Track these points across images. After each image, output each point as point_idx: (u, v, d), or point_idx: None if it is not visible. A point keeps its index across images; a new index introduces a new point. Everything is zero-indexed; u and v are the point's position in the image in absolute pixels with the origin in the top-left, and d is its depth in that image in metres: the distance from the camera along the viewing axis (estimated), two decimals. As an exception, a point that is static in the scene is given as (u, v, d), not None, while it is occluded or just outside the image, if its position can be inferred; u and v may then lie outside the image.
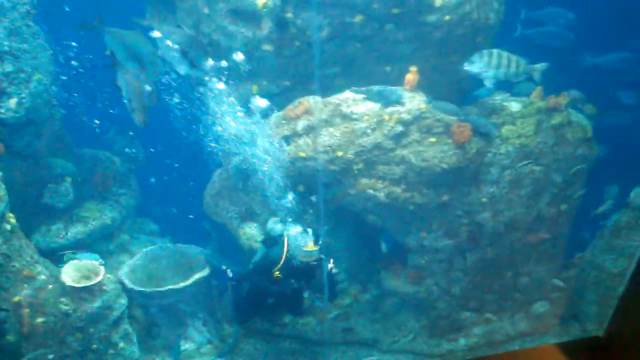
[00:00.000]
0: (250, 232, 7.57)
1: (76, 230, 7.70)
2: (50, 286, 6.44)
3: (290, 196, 6.80)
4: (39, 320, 6.25)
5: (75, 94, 8.02)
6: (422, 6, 6.85)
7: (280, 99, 7.42)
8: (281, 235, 6.35)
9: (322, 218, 7.23)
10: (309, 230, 6.24)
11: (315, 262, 6.17)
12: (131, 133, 9.22)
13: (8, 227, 6.29)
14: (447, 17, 6.89)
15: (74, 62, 7.58)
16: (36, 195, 7.70)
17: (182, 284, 7.17)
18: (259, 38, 7.04)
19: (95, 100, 8.18)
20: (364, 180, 6.81)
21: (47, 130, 7.63)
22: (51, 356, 6.33)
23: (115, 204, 8.40)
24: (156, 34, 5.99)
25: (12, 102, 6.94)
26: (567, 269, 7.75)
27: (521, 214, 6.97)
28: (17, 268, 6.33)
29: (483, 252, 7.18)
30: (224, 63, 6.68)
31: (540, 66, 6.35)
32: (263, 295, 6.51)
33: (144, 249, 8.04)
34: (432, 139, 6.69)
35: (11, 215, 6.39)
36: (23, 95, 7.05)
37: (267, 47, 7.11)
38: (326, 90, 7.21)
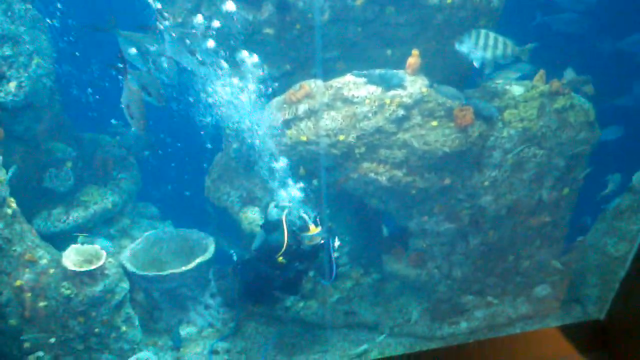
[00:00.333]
0: (252, 216, 7.57)
1: (77, 215, 7.70)
2: (52, 270, 6.46)
3: (289, 180, 6.79)
4: (41, 304, 6.28)
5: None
6: (424, -12, 6.78)
7: (281, 82, 7.38)
8: (280, 221, 6.32)
9: (323, 202, 7.23)
10: (308, 214, 6.22)
11: (321, 243, 6.17)
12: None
13: (9, 211, 6.31)
14: (449, 0, 6.81)
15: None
16: (37, 179, 7.69)
17: (183, 268, 7.20)
18: (260, 21, 6.98)
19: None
20: (366, 164, 6.79)
21: (47, 114, 7.61)
22: (53, 340, 6.37)
23: (116, 188, 8.38)
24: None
25: (12, 85, 6.92)
26: (568, 253, 7.75)
27: (523, 197, 6.95)
28: (19, 252, 6.36)
29: (485, 235, 7.17)
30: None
31: (528, 47, 6.29)
32: (269, 282, 6.55)
33: (146, 233, 8.05)
34: (434, 123, 6.65)
35: (12, 199, 6.39)
36: (22, 79, 7.02)
37: (267, 30, 7.06)
38: (327, 74, 7.16)
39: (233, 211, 7.87)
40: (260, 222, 7.01)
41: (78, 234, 7.16)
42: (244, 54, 6.74)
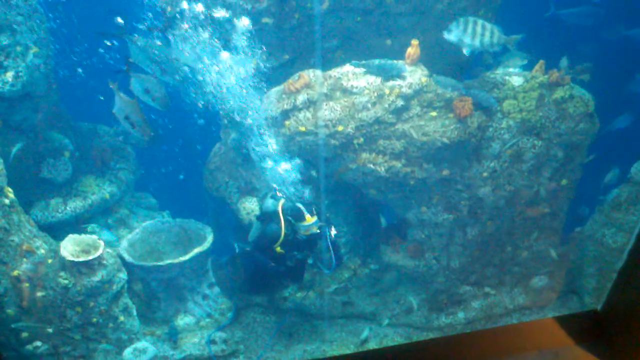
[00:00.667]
0: (250, 207, 7.56)
1: (75, 205, 7.69)
2: (50, 260, 6.45)
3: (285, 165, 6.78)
4: (39, 294, 6.28)
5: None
6: (424, -23, 6.75)
7: (280, 72, 7.35)
8: (276, 211, 6.33)
9: (322, 193, 7.23)
10: (304, 203, 6.24)
11: (318, 232, 6.20)
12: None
13: (7, 201, 6.29)
14: (448, -11, 6.79)
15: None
16: (34, 169, 7.67)
17: (181, 258, 7.19)
18: (258, 10, 6.94)
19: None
20: (365, 155, 6.78)
21: (44, 104, 7.57)
22: (50, 330, 6.38)
23: (114, 179, 8.37)
24: None
25: (9, 75, 6.88)
26: (566, 243, 7.76)
27: (522, 188, 6.94)
28: (17, 242, 6.35)
29: (483, 226, 7.17)
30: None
31: (515, 37, 6.27)
32: (270, 271, 6.59)
33: (144, 223, 8.05)
34: (433, 113, 6.63)
35: (9, 189, 6.38)
36: (20, 68, 6.98)
37: (266, 19, 7.02)
38: (326, 63, 7.14)
39: (231, 201, 7.86)
40: (257, 214, 7.02)
41: (85, 226, 7.13)
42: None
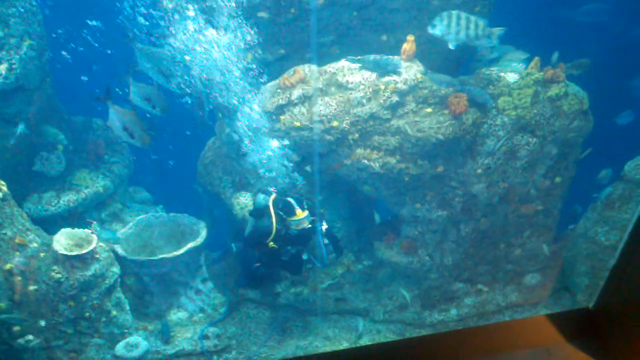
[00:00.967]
0: (244, 202, 7.54)
1: (68, 199, 7.65)
2: (43, 254, 6.43)
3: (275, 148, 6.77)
4: (31, 287, 6.26)
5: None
6: (420, -27, 6.73)
7: (275, 67, 7.32)
8: (267, 207, 6.35)
9: (317, 188, 7.22)
10: (295, 198, 6.25)
11: (309, 227, 6.21)
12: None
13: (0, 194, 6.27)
14: (445, -15, 6.77)
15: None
16: (27, 162, 7.63)
17: (175, 253, 7.17)
18: (254, 4, 6.91)
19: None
20: (359, 151, 6.77)
21: (38, 96, 7.51)
22: (42, 323, 6.36)
23: (108, 172, 8.33)
24: None
25: (2, 67, 6.83)
26: (559, 241, 7.79)
27: (516, 185, 6.95)
28: (9, 236, 6.32)
29: (476, 223, 7.19)
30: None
31: (498, 30, 6.28)
32: (267, 266, 6.64)
33: (137, 218, 8.02)
34: (428, 109, 6.63)
35: (2, 182, 6.34)
36: (13, 61, 6.93)
37: (262, 14, 6.99)
38: (322, 58, 7.12)
39: (225, 196, 7.84)
40: (249, 210, 7.04)
41: (88, 227, 7.11)
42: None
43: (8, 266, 6.19)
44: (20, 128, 6.80)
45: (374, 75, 6.65)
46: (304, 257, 6.70)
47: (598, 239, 7.35)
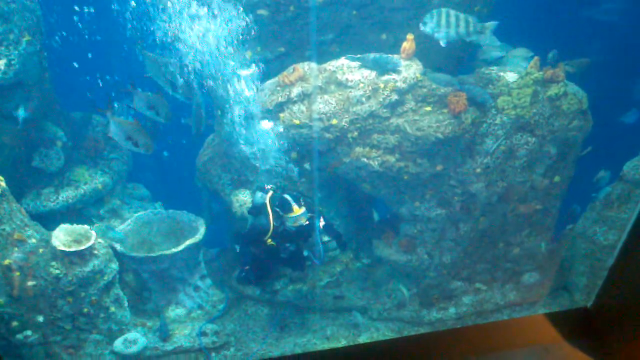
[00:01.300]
0: (243, 199, 7.54)
1: (67, 195, 7.65)
2: (41, 250, 6.43)
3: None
4: (30, 283, 6.26)
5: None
6: (420, -28, 6.73)
7: (274, 65, 7.32)
8: (264, 204, 6.37)
9: (315, 186, 7.23)
10: (292, 195, 6.26)
11: (307, 223, 6.22)
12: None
13: (-2, 190, 6.26)
14: (445, -16, 6.77)
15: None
16: (26, 158, 7.62)
17: (173, 250, 7.18)
18: (254, 2, 6.90)
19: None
20: (358, 149, 6.77)
21: (37, 92, 7.51)
22: (41, 319, 6.36)
23: (107, 169, 8.33)
24: None
25: (1, 63, 6.82)
26: (557, 240, 7.80)
27: (515, 184, 6.96)
28: (8, 231, 6.31)
29: (475, 222, 7.19)
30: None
31: (489, 24, 6.29)
32: (267, 262, 6.67)
33: (136, 214, 8.01)
34: (428, 108, 6.63)
35: (1, 178, 6.34)
36: (12, 56, 6.91)
37: (261, 11, 6.98)
38: (321, 56, 7.12)
39: (224, 193, 7.84)
40: (248, 207, 7.06)
41: (92, 227, 7.12)
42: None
43: (7, 262, 6.19)
44: (22, 111, 6.79)
45: (374, 73, 6.65)
46: (305, 253, 6.73)
47: (597, 238, 7.36)
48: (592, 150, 7.37)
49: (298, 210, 6.14)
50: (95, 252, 6.63)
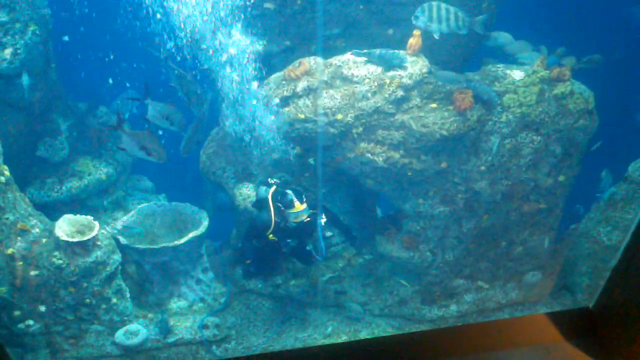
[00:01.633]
0: (247, 192, 7.54)
1: (70, 185, 7.67)
2: (44, 240, 6.45)
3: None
4: (32, 273, 6.28)
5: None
6: (428, -32, 6.68)
7: (280, 58, 7.30)
8: (266, 199, 6.37)
9: (319, 181, 7.22)
10: (295, 190, 6.26)
11: (308, 220, 6.22)
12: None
13: (2, 179, 6.27)
14: (453, -20, 6.73)
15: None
16: (31, 148, 7.64)
17: (176, 242, 7.19)
18: (261, -5, 6.89)
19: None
20: (363, 144, 6.75)
21: (42, 82, 7.52)
22: (43, 309, 6.38)
23: (111, 160, 8.34)
24: None
25: (7, 52, 6.83)
26: (561, 240, 7.78)
27: (519, 183, 6.93)
28: (11, 221, 6.33)
29: (479, 220, 7.17)
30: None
31: (480, 19, 6.28)
32: (270, 257, 6.69)
33: (139, 206, 8.03)
34: (433, 105, 6.61)
35: (5, 167, 6.35)
36: (18, 45, 6.93)
37: (268, 5, 6.97)
38: (327, 51, 7.10)
39: (228, 187, 7.84)
40: (252, 201, 7.07)
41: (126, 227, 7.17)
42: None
43: (10, 251, 6.21)
44: (25, 78, 6.80)
45: (380, 69, 6.62)
46: (309, 248, 6.73)
47: (600, 239, 7.34)
48: (601, 147, 7.33)
49: (299, 207, 6.14)
50: (99, 243, 6.64)
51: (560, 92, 6.71)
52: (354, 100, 6.56)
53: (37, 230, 6.52)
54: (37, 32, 7.10)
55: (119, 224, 7.49)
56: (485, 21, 6.31)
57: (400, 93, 6.54)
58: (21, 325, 6.36)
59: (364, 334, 7.48)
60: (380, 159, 6.71)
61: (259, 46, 7.04)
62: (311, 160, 7.12)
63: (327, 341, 7.29)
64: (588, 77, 7.14)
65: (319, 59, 6.91)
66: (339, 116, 6.56)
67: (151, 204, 8.13)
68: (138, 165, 9.20)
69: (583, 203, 8.42)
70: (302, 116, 6.64)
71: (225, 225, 8.59)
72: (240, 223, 7.85)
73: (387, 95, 6.53)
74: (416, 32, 6.68)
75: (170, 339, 7.06)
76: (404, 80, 6.53)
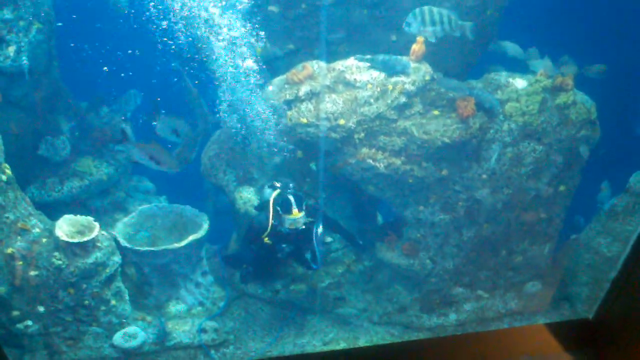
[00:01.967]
0: (247, 196, 7.54)
1: (71, 185, 7.66)
2: (44, 240, 6.43)
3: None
4: (32, 273, 6.26)
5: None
6: (433, -26, 6.70)
7: (284, 62, 7.31)
8: (268, 201, 6.34)
9: (320, 186, 7.21)
10: (297, 196, 6.22)
11: (304, 227, 6.18)
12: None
13: (4, 177, 6.26)
14: (457, -12, 6.75)
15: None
16: (32, 147, 7.63)
17: (176, 245, 7.17)
18: (265, -2, 6.91)
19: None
20: (365, 150, 6.75)
21: (45, 80, 7.53)
22: (42, 309, 6.37)
23: (112, 160, 8.33)
24: None
25: (11, 49, 6.83)
26: (561, 250, 7.76)
27: (520, 192, 6.92)
28: (12, 220, 6.32)
29: (479, 228, 7.16)
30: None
31: (468, 24, 6.30)
32: (249, 267, 6.69)
33: (140, 207, 8.01)
34: (436, 112, 6.61)
35: (7, 166, 6.35)
36: (22, 43, 6.93)
37: (272, 8, 6.98)
38: (330, 55, 7.11)
39: (229, 190, 7.84)
40: (255, 203, 7.05)
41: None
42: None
43: (10, 250, 6.20)
44: (24, 58, 6.81)
45: (383, 75, 6.63)
46: (308, 256, 6.70)
47: (600, 250, 7.32)
48: (603, 156, 7.33)
49: (297, 214, 6.07)
50: (98, 244, 6.62)
51: (563, 102, 6.71)
52: (357, 105, 6.56)
53: (38, 230, 6.51)
54: (41, 30, 7.11)
55: (119, 226, 7.47)
56: (472, 28, 6.32)
57: (402, 99, 6.54)
58: (20, 326, 6.34)
59: (362, 342, 7.46)
60: (382, 165, 6.70)
61: (259, 49, 7.04)
62: (312, 165, 7.12)
63: (327, 348, 7.27)
64: (592, 86, 7.13)
65: (322, 64, 6.92)
66: (341, 121, 6.55)
67: (152, 205, 8.12)
68: (139, 167, 9.18)
69: (583, 214, 8.41)
70: (305, 120, 6.64)
71: (225, 229, 8.58)
72: (240, 227, 7.83)
73: (389, 101, 6.53)
74: (419, 39, 6.68)
75: (169, 343, 7.04)
76: (407, 86, 6.54)
